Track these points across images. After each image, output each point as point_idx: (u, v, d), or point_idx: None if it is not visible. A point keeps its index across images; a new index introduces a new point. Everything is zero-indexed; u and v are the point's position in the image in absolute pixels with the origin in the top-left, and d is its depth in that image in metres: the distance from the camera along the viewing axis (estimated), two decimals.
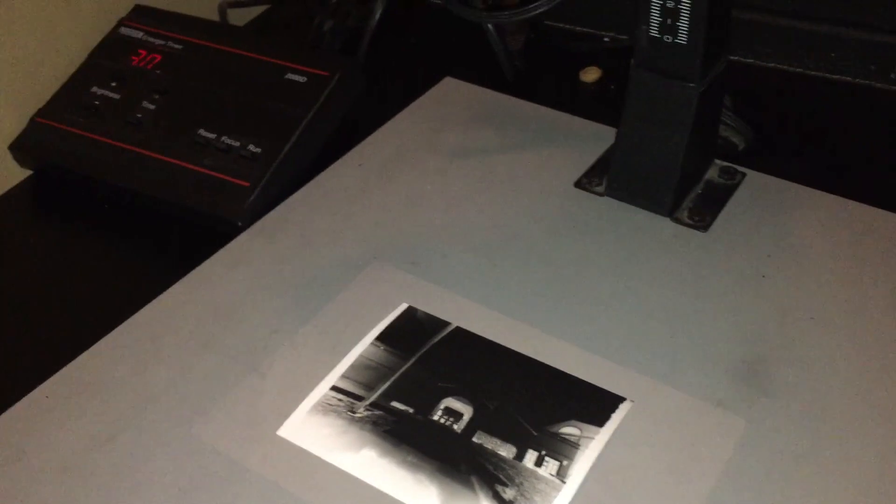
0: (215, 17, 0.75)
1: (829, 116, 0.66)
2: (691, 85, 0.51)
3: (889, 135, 0.64)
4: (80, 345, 0.48)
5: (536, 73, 0.72)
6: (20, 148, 0.62)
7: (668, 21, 0.49)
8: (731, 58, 0.72)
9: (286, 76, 0.61)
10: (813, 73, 0.70)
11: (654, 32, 0.50)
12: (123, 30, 0.66)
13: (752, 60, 0.72)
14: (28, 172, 0.63)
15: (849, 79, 0.69)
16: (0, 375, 0.49)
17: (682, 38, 0.49)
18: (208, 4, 0.76)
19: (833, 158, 0.61)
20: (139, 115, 0.61)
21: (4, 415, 0.45)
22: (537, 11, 0.56)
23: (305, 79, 0.60)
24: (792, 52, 0.70)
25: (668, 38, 0.50)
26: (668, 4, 0.48)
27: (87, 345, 0.48)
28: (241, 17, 0.80)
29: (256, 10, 0.81)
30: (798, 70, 0.70)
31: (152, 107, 0.61)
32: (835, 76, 0.69)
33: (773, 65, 0.71)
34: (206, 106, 0.60)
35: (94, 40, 0.66)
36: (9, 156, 0.62)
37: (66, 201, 0.61)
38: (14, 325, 0.53)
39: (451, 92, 0.67)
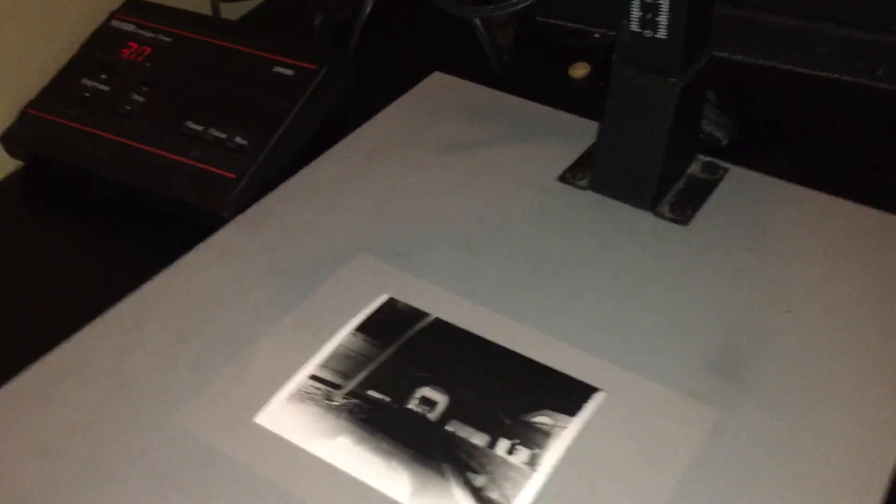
0: (208, 10, 0.76)
1: (816, 113, 0.66)
2: (672, 80, 0.51)
3: (874, 132, 0.64)
4: (64, 333, 0.49)
5: (526, 67, 0.73)
6: (11, 140, 0.63)
7: (648, 15, 0.49)
8: (718, 54, 0.73)
9: (274, 69, 0.61)
10: (800, 69, 0.70)
11: (634, 27, 0.50)
12: (115, 22, 0.67)
13: (740, 57, 0.72)
14: (19, 164, 0.64)
15: (836, 76, 0.69)
16: None
17: (662, 33, 0.49)
18: None
19: (818, 154, 0.61)
20: (128, 108, 0.61)
21: None
22: (522, 6, 0.57)
23: (293, 72, 0.61)
24: (779, 48, 0.71)
25: (648, 33, 0.50)
26: None
27: (70, 333, 0.49)
28: (235, 10, 0.80)
29: (250, 5, 0.81)
30: (785, 67, 0.70)
31: (141, 99, 0.62)
32: (821, 73, 0.70)
33: (760, 61, 0.71)
34: (194, 98, 0.61)
35: (85, 32, 0.67)
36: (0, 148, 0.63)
37: (56, 192, 0.62)
38: None
39: (439, 86, 0.68)
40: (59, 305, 0.53)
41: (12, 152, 0.63)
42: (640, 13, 0.49)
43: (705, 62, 0.53)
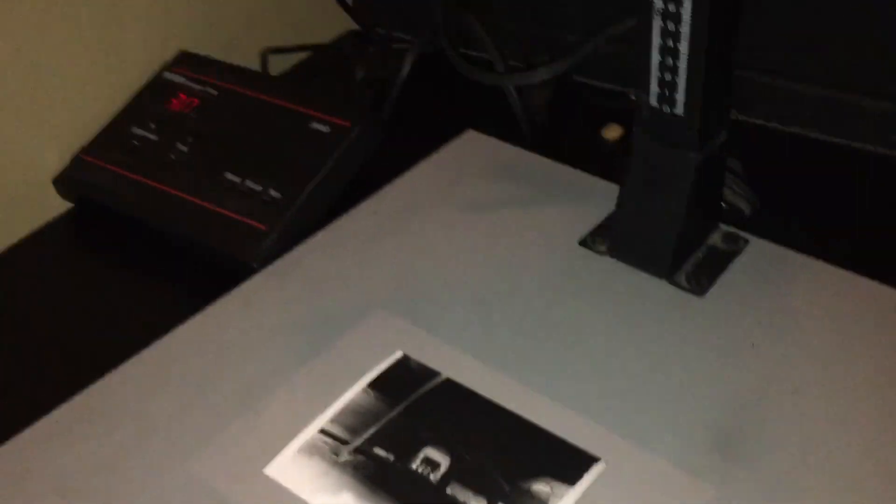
0: (258, 62, 0.80)
1: (847, 185, 0.66)
2: (690, 154, 0.52)
3: None
4: (95, 374, 0.52)
5: (560, 127, 0.74)
6: (63, 183, 0.66)
7: (666, 92, 0.50)
8: (753, 120, 0.73)
9: (311, 125, 0.64)
10: (835, 140, 0.70)
11: (653, 102, 0.51)
12: (167, 74, 0.70)
13: (774, 124, 0.72)
14: (69, 205, 0.68)
15: (871, 148, 0.69)
16: (16, 400, 0.52)
17: (679, 110, 0.51)
18: (252, 50, 0.80)
19: (845, 228, 0.61)
20: (173, 157, 0.65)
21: (13, 440, 0.48)
22: (551, 74, 0.59)
23: (328, 128, 0.63)
24: (815, 118, 0.71)
25: (666, 108, 0.51)
26: (665, 76, 0.50)
27: (102, 373, 0.52)
28: (284, 62, 0.84)
29: (298, 57, 0.85)
30: (820, 137, 0.71)
31: (186, 149, 0.65)
32: (856, 144, 0.69)
33: (795, 130, 0.72)
34: (234, 150, 0.64)
35: (139, 83, 0.71)
36: (52, 189, 0.67)
37: (101, 233, 0.65)
38: (33, 350, 0.56)
39: (471, 145, 0.69)
40: (94, 345, 0.56)
41: (64, 194, 0.67)
42: (658, 89, 0.51)
43: (724, 137, 0.54)
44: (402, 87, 0.72)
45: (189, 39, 0.75)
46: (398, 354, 0.51)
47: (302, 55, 0.85)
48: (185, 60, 0.71)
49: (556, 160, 0.68)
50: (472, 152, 0.69)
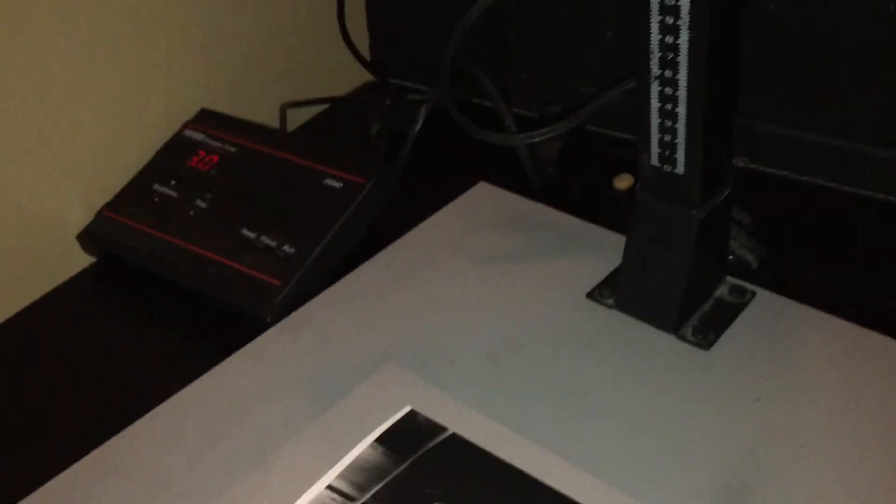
0: (277, 116, 0.82)
1: (858, 234, 0.66)
2: (693, 212, 0.53)
3: None
4: (113, 428, 0.53)
5: (572, 178, 0.75)
6: (87, 238, 0.69)
7: (667, 152, 0.51)
8: (763, 168, 0.74)
9: (325, 181, 0.66)
10: (844, 188, 0.71)
11: (654, 162, 0.52)
12: (187, 132, 0.73)
13: (785, 173, 0.73)
14: (92, 259, 0.70)
15: (881, 196, 0.69)
16: (33, 455, 0.54)
17: (680, 169, 0.51)
18: (272, 103, 0.83)
19: (854, 279, 0.61)
20: (192, 213, 0.67)
21: (32, 495, 0.50)
22: (560, 132, 0.60)
23: (342, 185, 0.65)
24: (824, 166, 0.71)
25: (667, 168, 0.52)
26: (664, 137, 0.51)
27: (118, 428, 0.53)
28: (302, 115, 0.86)
29: (315, 110, 0.87)
30: (830, 185, 0.71)
31: (204, 205, 0.67)
32: (866, 192, 0.70)
33: (805, 178, 0.72)
34: (251, 206, 0.66)
35: (161, 140, 0.73)
36: (76, 243, 0.69)
37: (122, 288, 0.68)
38: (50, 406, 0.58)
39: (483, 197, 0.71)
40: (111, 400, 0.57)
41: (88, 249, 0.69)
42: (659, 149, 0.52)
43: (727, 191, 0.55)
44: (415, 140, 0.74)
45: (210, 96, 0.78)
46: (406, 409, 0.52)
47: (320, 107, 0.87)
48: (206, 118, 0.74)
49: (567, 211, 0.69)
50: (483, 205, 0.70)
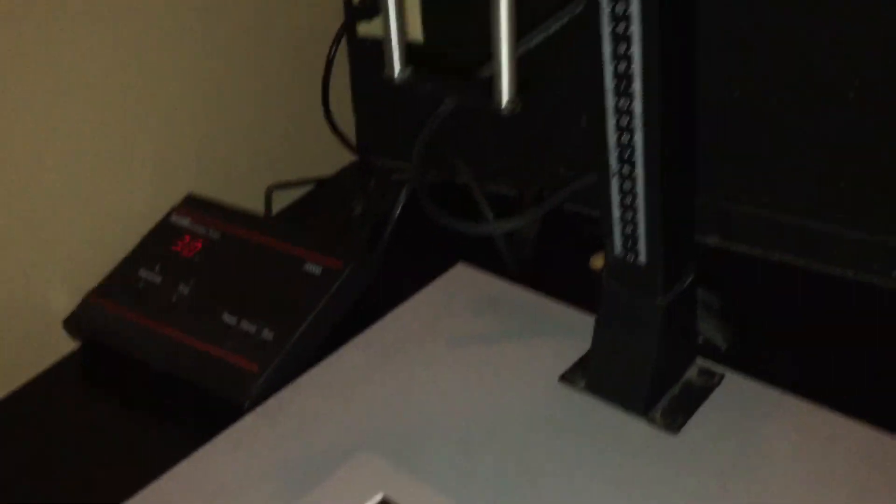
0: (263, 197, 0.84)
1: (827, 314, 0.68)
2: (657, 299, 0.54)
3: (886, 337, 0.64)
4: None
5: (550, 257, 0.77)
6: (72, 324, 0.70)
7: (629, 243, 0.53)
8: (736, 247, 0.75)
9: (304, 267, 0.67)
10: (815, 267, 0.72)
11: (617, 251, 0.54)
12: (174, 217, 0.75)
13: (758, 250, 0.75)
14: (77, 343, 0.71)
15: (850, 274, 0.71)
16: None
17: (642, 259, 0.53)
18: (258, 186, 0.85)
19: (824, 359, 0.62)
20: (175, 299, 0.68)
21: None
22: (535, 217, 0.61)
23: (320, 270, 0.67)
24: (796, 245, 0.73)
25: (630, 257, 0.54)
26: (626, 229, 0.52)
27: None
28: (287, 196, 0.88)
29: (301, 191, 0.89)
30: (800, 263, 0.73)
31: (187, 291, 0.68)
32: (836, 271, 0.71)
33: (777, 256, 0.74)
34: (233, 292, 0.67)
35: (148, 225, 0.75)
36: (62, 328, 0.71)
37: (105, 373, 0.69)
38: (33, 489, 0.59)
39: (460, 279, 0.72)
40: (90, 488, 0.58)
41: (73, 334, 0.70)
42: (621, 240, 0.53)
43: (692, 279, 0.56)
44: (395, 224, 0.76)
45: (197, 180, 0.80)
46: (378, 497, 0.53)
47: (306, 188, 0.89)
48: (192, 204, 0.76)
49: (544, 291, 0.70)
50: (461, 287, 0.71)
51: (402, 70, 0.41)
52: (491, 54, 0.36)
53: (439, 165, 0.83)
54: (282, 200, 0.88)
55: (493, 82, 0.37)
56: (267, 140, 0.87)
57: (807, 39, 0.66)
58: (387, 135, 0.95)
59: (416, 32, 0.85)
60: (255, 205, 0.84)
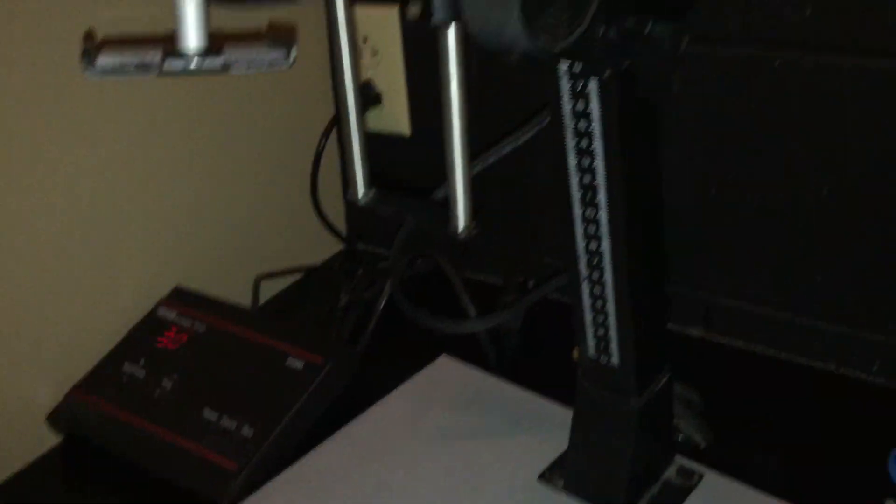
0: (251, 287, 0.85)
1: (809, 408, 0.68)
2: (631, 400, 0.54)
3: (866, 430, 0.64)
4: None
5: (534, 347, 0.77)
6: (56, 419, 0.70)
7: (602, 345, 0.53)
8: (718, 339, 0.76)
9: (286, 362, 0.68)
10: (796, 359, 0.72)
11: (591, 354, 0.54)
12: (160, 310, 0.76)
13: (740, 343, 0.75)
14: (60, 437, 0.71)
15: (832, 368, 0.71)
16: None
17: (615, 361, 0.53)
18: (246, 276, 0.86)
19: (805, 455, 0.62)
20: (157, 394, 0.68)
21: None
22: (517, 312, 0.62)
23: (302, 365, 0.67)
24: (778, 339, 0.73)
25: (603, 359, 0.54)
26: (598, 332, 0.53)
27: None
28: (276, 285, 0.89)
29: (289, 280, 0.90)
30: (782, 356, 0.73)
31: (170, 385, 0.69)
32: (817, 364, 0.72)
33: (760, 349, 0.74)
34: (215, 386, 0.68)
35: (135, 317, 0.76)
36: (45, 423, 0.71)
37: (86, 468, 0.68)
38: None
39: (443, 372, 0.73)
40: None
41: (56, 429, 0.71)
42: (594, 342, 0.54)
43: (666, 380, 0.56)
44: (382, 312, 0.76)
45: (184, 271, 0.81)
46: None
47: (293, 277, 0.90)
48: (179, 296, 0.77)
49: (527, 383, 0.70)
50: (442, 380, 0.72)
51: (365, 192, 0.43)
52: (446, 179, 0.38)
53: (424, 254, 0.84)
54: (271, 289, 0.89)
55: (449, 208, 0.38)
56: (255, 230, 0.88)
57: (782, 140, 0.68)
58: (376, 222, 0.96)
59: (404, 126, 0.87)
60: (244, 293, 0.85)
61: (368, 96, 0.87)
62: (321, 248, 0.94)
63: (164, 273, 0.80)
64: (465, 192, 0.37)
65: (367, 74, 0.87)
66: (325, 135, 0.88)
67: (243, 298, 0.85)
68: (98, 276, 0.74)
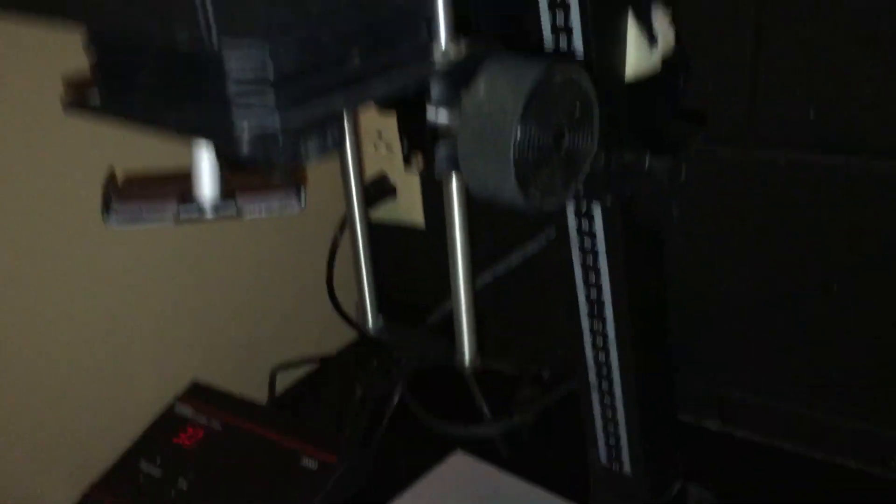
0: (267, 377, 0.86)
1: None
2: None
3: None
4: None
5: (548, 443, 0.77)
6: None
7: (613, 453, 0.53)
8: (736, 433, 0.75)
9: (301, 461, 0.68)
10: (813, 455, 0.72)
11: (603, 461, 0.54)
12: (178, 407, 0.76)
13: (758, 437, 0.74)
14: None
15: (849, 463, 0.70)
16: None
17: (627, 469, 0.53)
18: (262, 367, 0.86)
19: None
20: (173, 494, 0.69)
21: None
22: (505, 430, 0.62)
23: (316, 465, 0.67)
24: (796, 433, 0.73)
25: (615, 467, 0.54)
26: (609, 440, 0.53)
27: None
28: (293, 375, 0.90)
29: (305, 370, 0.91)
30: (799, 450, 0.72)
31: (186, 485, 0.69)
32: (835, 459, 0.71)
33: (778, 443, 0.74)
34: (230, 486, 0.68)
35: (151, 412, 0.77)
36: None
37: None
38: None
39: (456, 469, 0.73)
40: None
41: None
42: (606, 450, 0.54)
43: (678, 489, 0.56)
44: (392, 412, 0.77)
45: (200, 365, 0.82)
46: None
47: (309, 367, 0.91)
48: (195, 392, 0.77)
49: (540, 479, 0.70)
50: (456, 478, 0.71)
51: (375, 321, 0.44)
52: (452, 314, 0.39)
53: (441, 349, 0.84)
54: (287, 379, 0.89)
55: (455, 342, 0.39)
56: (272, 319, 0.89)
57: (791, 236, 0.68)
58: (392, 309, 0.97)
59: (418, 218, 0.89)
60: (260, 383, 0.86)
61: (384, 189, 0.89)
62: (336, 337, 0.95)
63: (179, 368, 0.80)
64: (470, 328, 0.38)
65: (382, 167, 0.89)
66: (341, 228, 0.89)
67: (260, 387, 0.85)
68: (115, 370, 0.75)
